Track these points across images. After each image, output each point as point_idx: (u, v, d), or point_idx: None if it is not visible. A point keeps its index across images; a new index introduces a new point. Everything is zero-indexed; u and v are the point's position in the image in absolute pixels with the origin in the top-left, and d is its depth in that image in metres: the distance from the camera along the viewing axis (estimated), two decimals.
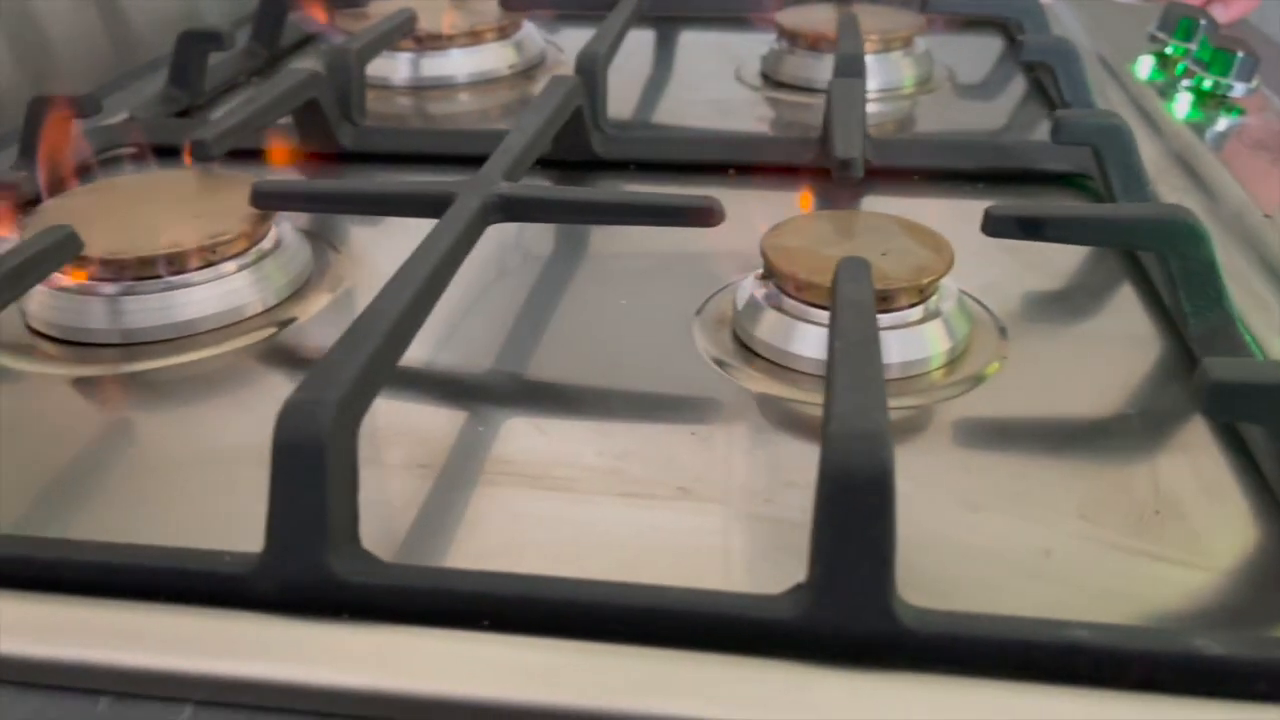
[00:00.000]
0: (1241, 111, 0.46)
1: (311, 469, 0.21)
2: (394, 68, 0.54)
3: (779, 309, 0.31)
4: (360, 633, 0.21)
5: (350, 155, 0.46)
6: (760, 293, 0.31)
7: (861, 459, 0.20)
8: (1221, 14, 0.64)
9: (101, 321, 0.32)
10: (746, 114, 0.52)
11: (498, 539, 0.25)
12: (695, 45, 0.61)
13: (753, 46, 0.58)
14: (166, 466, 0.28)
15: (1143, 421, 0.28)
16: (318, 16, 0.58)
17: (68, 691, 0.21)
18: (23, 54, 0.56)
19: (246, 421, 0.30)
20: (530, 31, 0.59)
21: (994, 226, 0.30)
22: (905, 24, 0.55)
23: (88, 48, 0.61)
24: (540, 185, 0.35)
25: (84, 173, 0.39)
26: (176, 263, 0.32)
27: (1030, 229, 0.30)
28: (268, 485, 0.21)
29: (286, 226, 0.36)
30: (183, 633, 0.21)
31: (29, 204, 0.35)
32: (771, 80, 0.55)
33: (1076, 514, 0.25)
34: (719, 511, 0.25)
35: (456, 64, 0.55)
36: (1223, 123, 0.45)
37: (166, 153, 0.44)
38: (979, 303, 0.33)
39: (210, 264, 0.33)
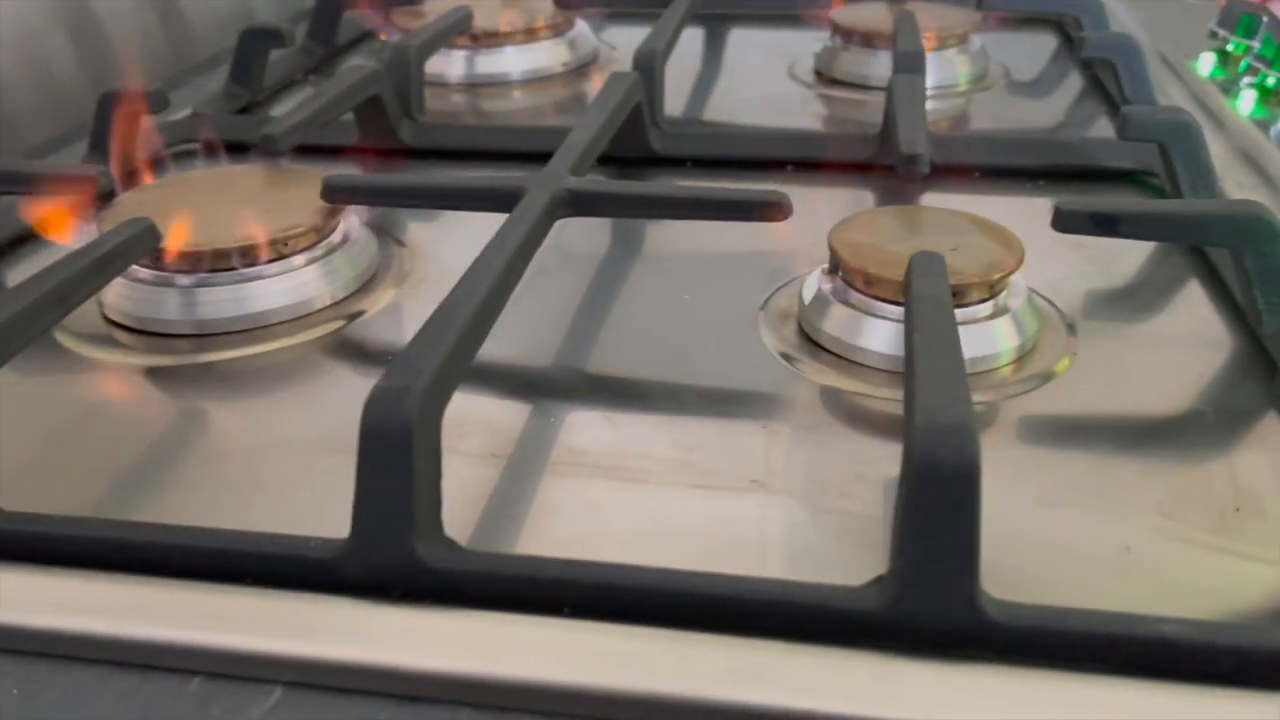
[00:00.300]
0: None
1: (399, 456, 0.21)
2: (449, 65, 0.55)
3: (847, 303, 0.31)
4: (445, 618, 0.21)
5: (410, 151, 0.46)
6: (827, 287, 0.31)
7: (948, 451, 0.20)
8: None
9: (175, 313, 0.32)
10: (801, 111, 0.52)
11: (572, 528, 0.25)
12: (746, 42, 0.61)
13: (805, 44, 0.58)
14: (239, 454, 0.28)
15: (1218, 419, 0.28)
16: (375, 14, 0.59)
17: (161, 671, 0.21)
18: (86, 53, 0.57)
19: (317, 412, 0.30)
20: (583, 29, 0.59)
21: (1065, 222, 0.30)
22: (961, 21, 0.54)
23: (147, 46, 0.62)
24: (607, 180, 0.35)
25: (156, 166, 0.39)
26: (249, 255, 0.32)
27: (1103, 224, 0.30)
28: (348, 474, 0.22)
29: (354, 220, 0.36)
30: (271, 616, 0.22)
31: (104, 197, 0.36)
32: (825, 77, 0.55)
33: (1156, 511, 0.25)
34: (792, 504, 0.26)
35: (511, 61, 0.55)
36: None
37: (232, 148, 0.44)
38: (1046, 299, 0.33)
39: (281, 257, 0.33)
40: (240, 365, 0.32)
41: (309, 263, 0.34)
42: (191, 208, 0.34)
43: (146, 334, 0.33)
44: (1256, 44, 0.48)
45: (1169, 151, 0.37)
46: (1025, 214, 0.39)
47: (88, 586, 0.23)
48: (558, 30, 0.57)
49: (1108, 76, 0.50)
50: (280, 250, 0.33)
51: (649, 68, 0.44)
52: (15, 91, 0.53)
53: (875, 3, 0.58)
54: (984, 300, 0.30)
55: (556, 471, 0.27)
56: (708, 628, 0.21)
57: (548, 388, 0.31)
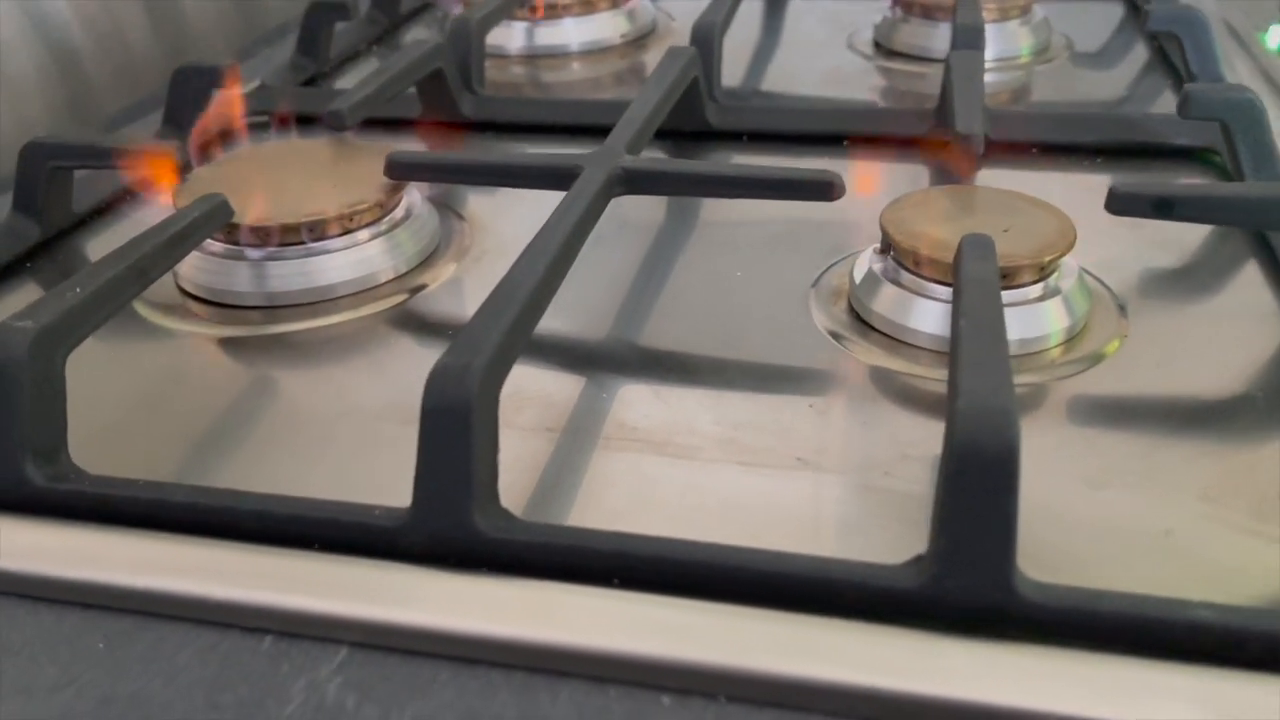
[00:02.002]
0: None
1: (459, 431, 0.23)
2: (509, 36, 0.55)
3: (897, 284, 0.31)
4: (500, 585, 0.23)
5: (470, 124, 0.47)
6: (878, 267, 0.32)
7: (989, 435, 0.20)
8: None
9: (246, 285, 0.34)
10: (860, 83, 0.52)
11: (622, 501, 0.26)
12: (806, 13, 0.61)
13: (865, 15, 0.58)
14: (308, 423, 0.30)
15: (1268, 404, 0.28)
16: None
17: (237, 629, 0.23)
18: (159, 22, 0.59)
19: (382, 383, 0.31)
20: (644, 4, 0.59)
21: (1120, 204, 0.30)
22: None
23: (219, 15, 0.63)
24: (662, 159, 0.35)
25: (229, 139, 0.40)
26: (317, 230, 0.34)
27: (1161, 208, 0.30)
28: (410, 443, 0.23)
29: (416, 196, 0.37)
30: (338, 580, 0.23)
31: (181, 170, 0.37)
32: (885, 49, 0.55)
33: (1199, 495, 0.25)
34: (838, 482, 0.26)
35: (570, 33, 0.56)
36: None
37: (301, 120, 0.46)
38: (1099, 280, 0.33)
39: (347, 231, 0.34)
40: (308, 336, 0.33)
41: (373, 237, 0.35)
42: (262, 183, 0.35)
43: (218, 305, 0.34)
44: None
45: (1231, 131, 0.36)
46: (1082, 191, 0.39)
47: (169, 548, 0.24)
48: (616, 2, 0.57)
49: (1174, 50, 0.49)
50: (346, 225, 0.34)
51: (707, 41, 0.45)
52: (90, 62, 0.54)
53: None
54: (1035, 282, 0.30)
55: (608, 446, 0.28)
56: (751, 601, 0.22)
57: (600, 362, 0.32)
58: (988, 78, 0.51)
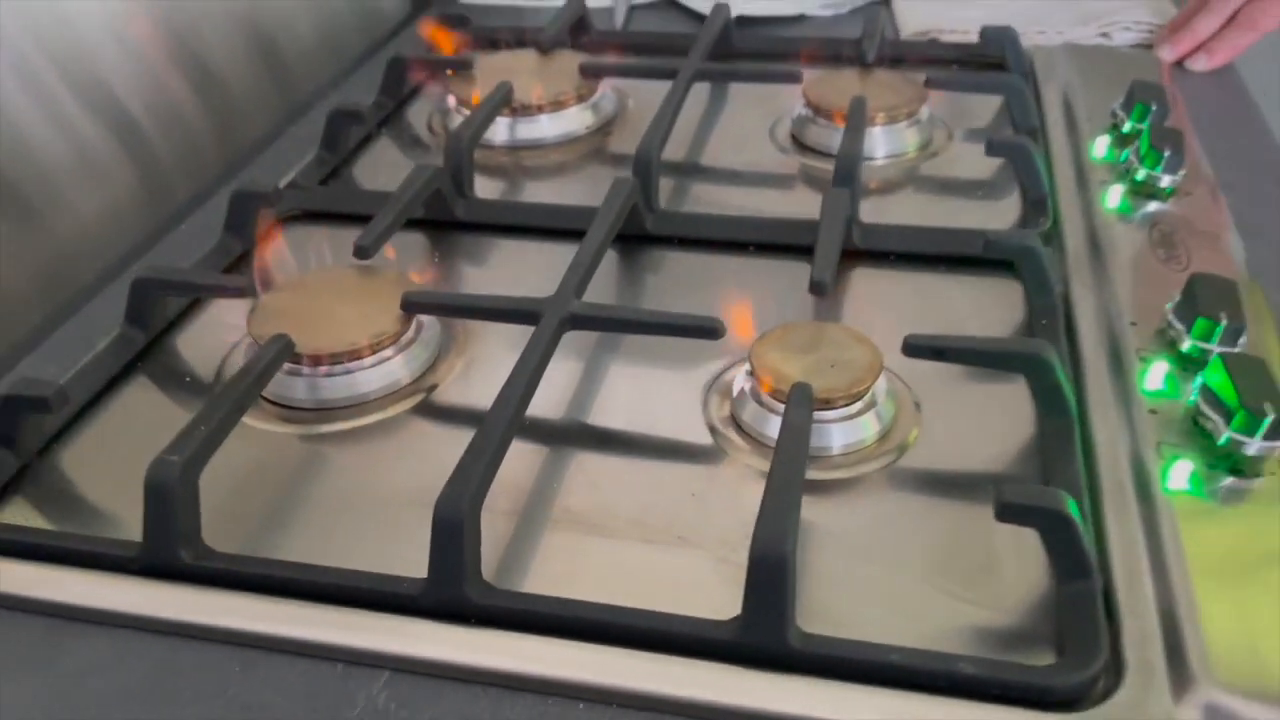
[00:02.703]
0: (1171, 192, 0.57)
1: (457, 535, 0.36)
2: (495, 131, 0.68)
3: (758, 401, 0.45)
4: (482, 633, 0.37)
5: (464, 224, 0.60)
6: (747, 386, 0.45)
7: (773, 547, 0.34)
8: (1204, 63, 0.74)
9: (303, 394, 0.47)
10: (775, 180, 0.64)
11: (562, 569, 0.40)
12: (742, 96, 0.73)
13: (788, 103, 0.70)
14: (353, 502, 0.43)
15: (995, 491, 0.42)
16: (433, 79, 0.72)
17: (315, 659, 0.37)
18: (210, 100, 0.71)
19: (410, 469, 0.45)
20: (606, 93, 0.71)
21: (911, 350, 0.43)
22: (911, 96, 0.66)
23: (257, 91, 0.75)
24: (597, 305, 0.48)
25: (271, 234, 0.55)
26: (353, 354, 0.47)
27: (937, 354, 0.43)
28: (426, 521, 0.36)
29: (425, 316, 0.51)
30: (381, 627, 0.37)
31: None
32: (799, 143, 0.67)
33: (932, 566, 0.39)
34: (702, 556, 0.40)
35: (545, 128, 0.68)
36: (1152, 205, 0.57)
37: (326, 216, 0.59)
38: (900, 379, 0.47)
39: (375, 352, 0.48)
40: (350, 433, 0.47)
41: (396, 353, 0.48)
42: (311, 311, 0.49)
43: (283, 407, 0.48)
44: (1144, 128, 0.60)
45: (1019, 268, 0.49)
46: (921, 292, 0.53)
47: (274, 605, 0.38)
48: (582, 98, 0.69)
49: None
50: (374, 348, 0.48)
51: (645, 168, 0.57)
52: (158, 143, 0.67)
53: (847, 73, 0.70)
54: (852, 403, 0.44)
55: (555, 527, 0.42)
56: (632, 645, 0.36)
57: (550, 458, 0.45)
58: (879, 173, 0.64)
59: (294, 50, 0.79)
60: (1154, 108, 0.61)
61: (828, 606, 0.38)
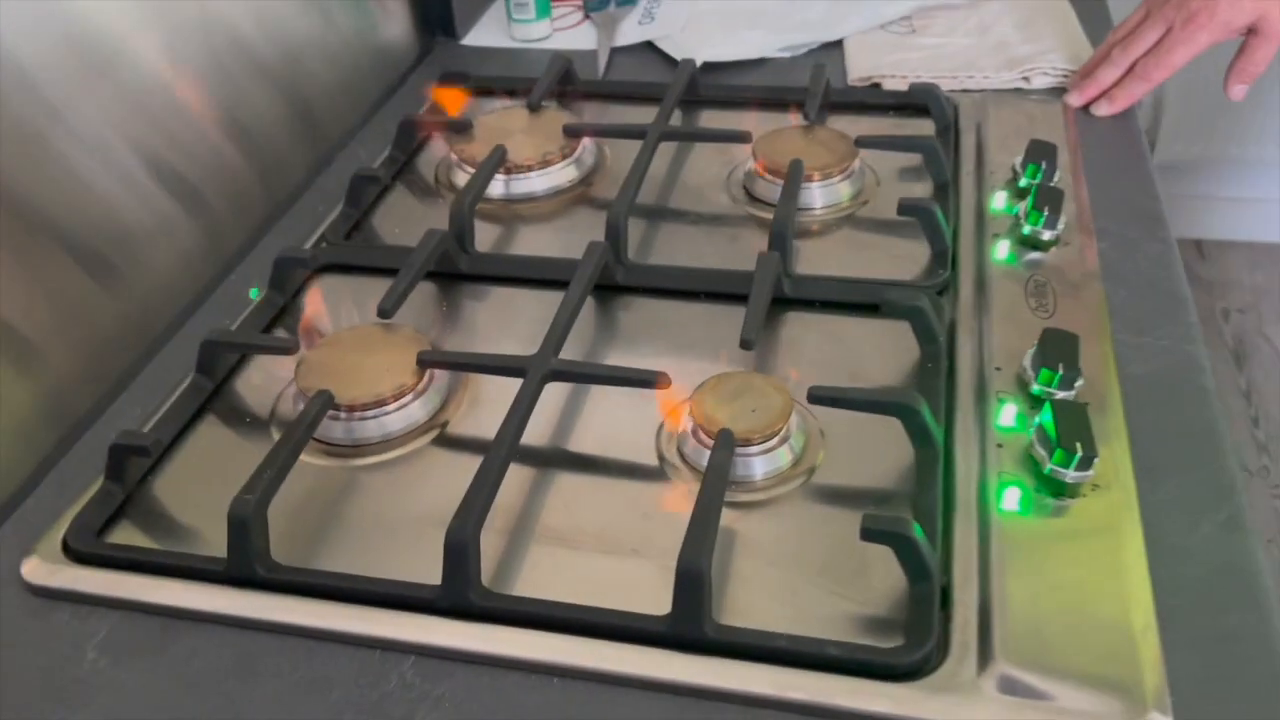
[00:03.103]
0: (1053, 244, 0.69)
1: (464, 554, 0.49)
2: (493, 187, 0.80)
3: (697, 439, 0.57)
4: (484, 628, 0.50)
5: (467, 275, 0.73)
6: (689, 426, 0.58)
7: (692, 565, 0.47)
8: (1105, 109, 0.85)
9: (341, 435, 0.60)
10: (728, 228, 0.76)
11: (544, 576, 0.53)
12: (704, 147, 0.85)
13: (743, 155, 0.82)
14: (383, 522, 0.56)
15: (894, 505, 0.54)
16: (439, 137, 0.84)
17: (361, 647, 0.50)
18: (252, 157, 0.82)
19: (428, 496, 0.57)
20: (588, 148, 0.83)
21: (814, 400, 0.56)
22: (844, 154, 0.77)
23: (291, 141, 0.87)
24: (573, 361, 0.61)
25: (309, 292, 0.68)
26: (380, 403, 0.60)
27: (834, 403, 0.56)
28: (440, 538, 0.49)
29: None
30: (408, 622, 0.50)
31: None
32: (750, 195, 0.79)
33: (816, 568, 0.52)
34: (649, 564, 0.53)
35: (535, 183, 0.80)
36: (1034, 255, 0.68)
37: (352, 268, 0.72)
38: (809, 410, 0.59)
39: (398, 399, 0.60)
40: (380, 465, 0.59)
41: (414, 399, 0.61)
42: (346, 364, 0.61)
43: (326, 444, 0.61)
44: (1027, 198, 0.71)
45: (912, 325, 0.62)
46: (837, 335, 0.65)
47: (326, 606, 0.51)
48: (567, 155, 0.81)
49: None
50: (397, 396, 0.60)
51: (615, 231, 0.69)
52: (212, 199, 0.79)
53: (793, 131, 0.81)
54: (770, 439, 0.56)
55: (539, 540, 0.55)
56: (594, 636, 0.49)
57: (535, 481, 0.58)
58: (819, 219, 0.76)
59: (322, 103, 0.90)
60: (1044, 166, 0.73)
61: (741, 601, 0.51)
